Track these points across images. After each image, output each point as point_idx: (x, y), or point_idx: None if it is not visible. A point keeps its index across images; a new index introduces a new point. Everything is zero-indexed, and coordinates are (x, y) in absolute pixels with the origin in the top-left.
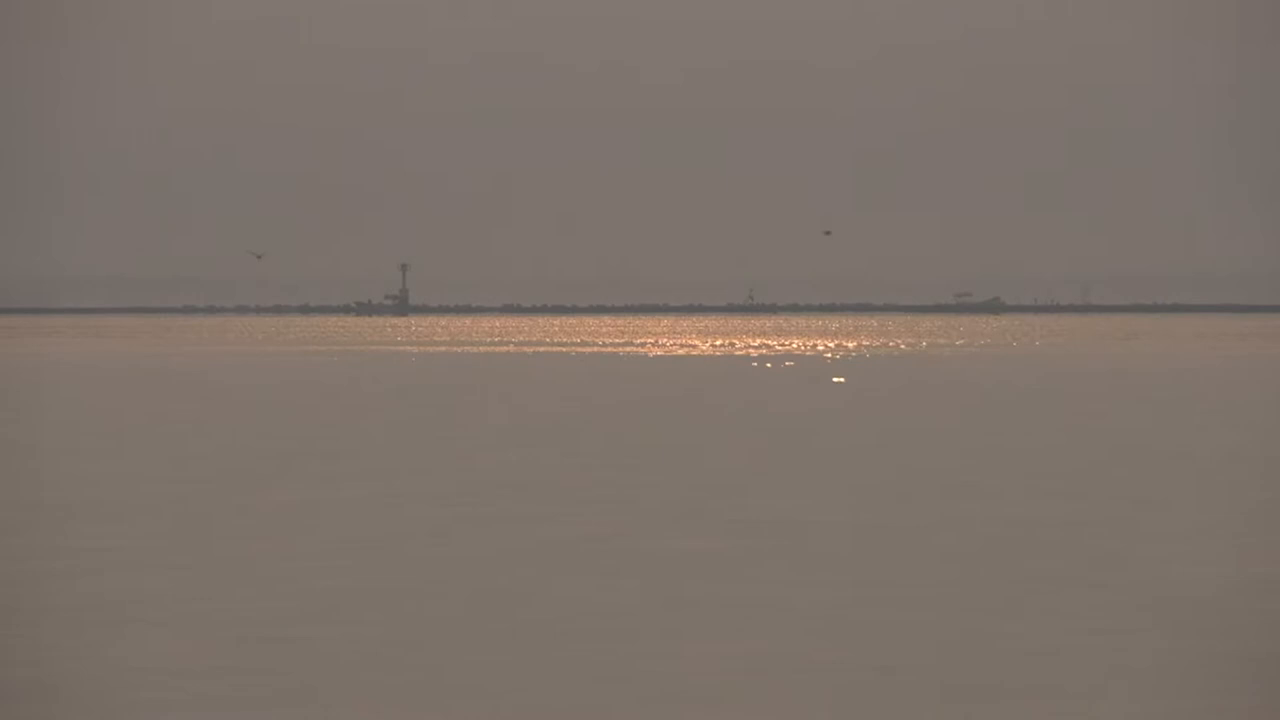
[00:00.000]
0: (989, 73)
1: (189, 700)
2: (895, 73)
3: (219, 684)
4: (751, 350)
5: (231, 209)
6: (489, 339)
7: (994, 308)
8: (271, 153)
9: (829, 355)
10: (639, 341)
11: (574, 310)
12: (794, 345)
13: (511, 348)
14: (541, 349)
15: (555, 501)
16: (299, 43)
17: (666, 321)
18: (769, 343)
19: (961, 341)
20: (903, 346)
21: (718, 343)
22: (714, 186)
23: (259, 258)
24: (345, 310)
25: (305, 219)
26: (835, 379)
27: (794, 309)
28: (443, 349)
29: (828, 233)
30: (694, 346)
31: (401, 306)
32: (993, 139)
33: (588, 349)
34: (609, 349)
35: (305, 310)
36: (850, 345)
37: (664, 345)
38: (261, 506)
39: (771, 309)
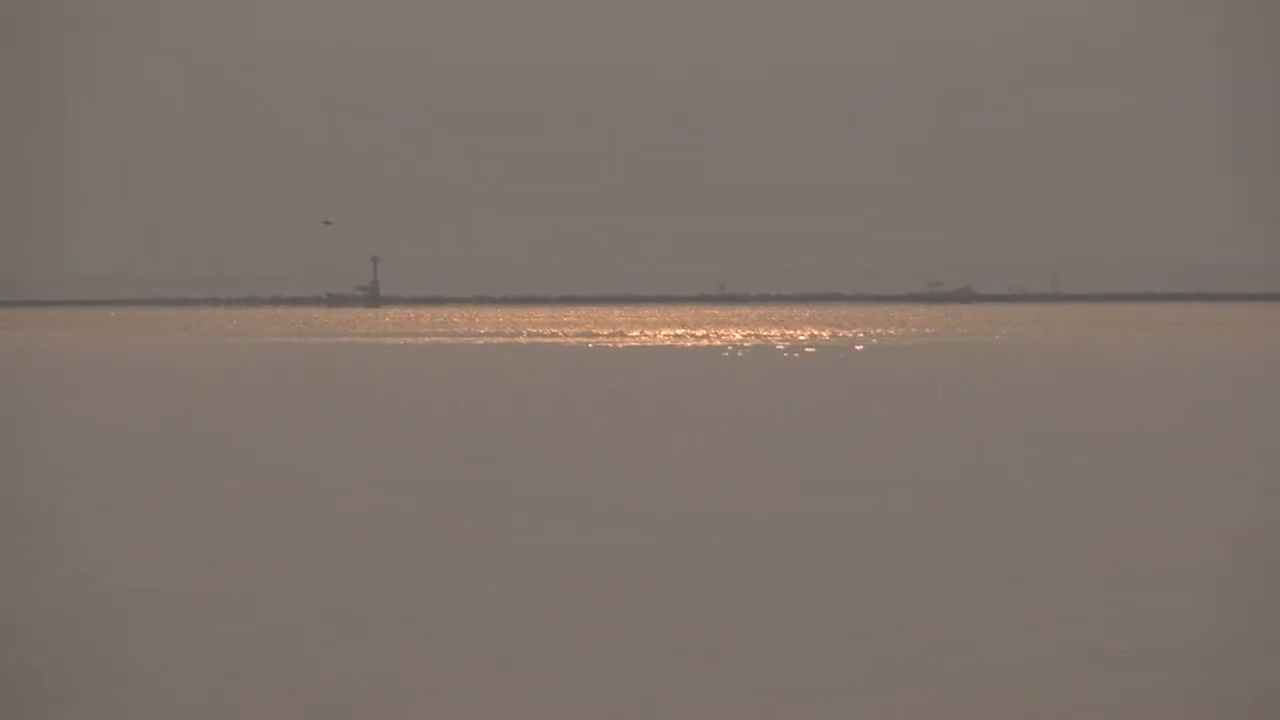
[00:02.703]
0: (956, 67)
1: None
2: (866, 70)
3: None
4: (705, 342)
5: (201, 202)
6: (454, 330)
7: (964, 297)
8: (240, 147)
9: (783, 346)
10: (603, 332)
11: (545, 300)
12: (753, 336)
13: (472, 339)
14: (502, 340)
15: (463, 498)
16: (260, 39)
17: (637, 312)
18: (733, 334)
19: (895, 331)
20: (853, 334)
21: (679, 333)
22: (685, 176)
23: None
24: (317, 302)
25: (275, 211)
26: (789, 370)
27: (766, 299)
28: (399, 340)
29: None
30: (652, 337)
31: (373, 298)
32: (961, 128)
33: (550, 340)
34: (573, 340)
35: (277, 302)
36: (803, 336)
37: (629, 336)
38: (122, 504)
39: (744, 299)
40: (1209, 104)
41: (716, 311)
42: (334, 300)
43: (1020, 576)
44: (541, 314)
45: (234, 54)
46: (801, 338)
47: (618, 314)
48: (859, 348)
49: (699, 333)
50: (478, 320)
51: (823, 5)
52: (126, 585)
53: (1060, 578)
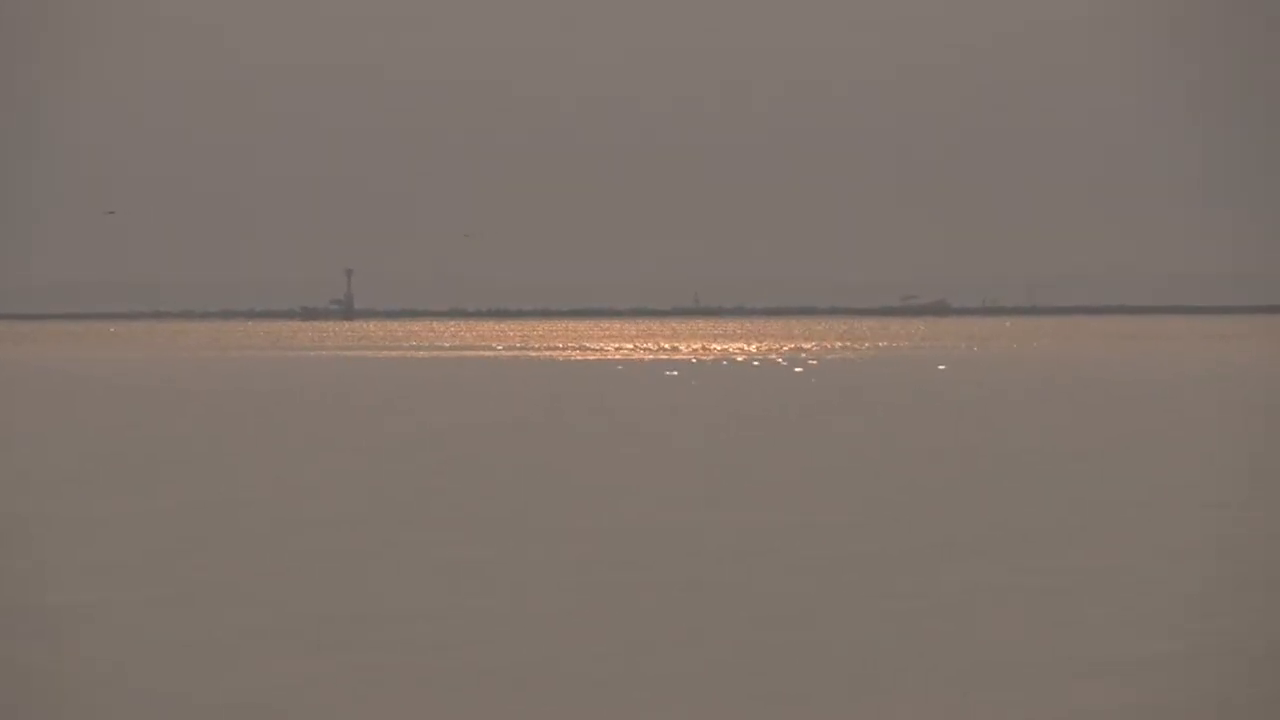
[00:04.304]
0: (943, 76)
1: None
2: (841, 85)
3: None
4: (684, 355)
5: (176, 214)
6: (429, 344)
7: (939, 310)
8: (214, 159)
9: (760, 359)
10: (579, 346)
11: (519, 314)
12: (730, 350)
13: (439, 353)
14: (471, 353)
15: (457, 505)
16: (235, 54)
17: (612, 325)
18: (711, 347)
19: (868, 345)
20: (829, 347)
21: (647, 346)
22: (660, 191)
23: None
24: (291, 315)
25: (249, 224)
26: (768, 382)
27: (740, 311)
28: (377, 354)
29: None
30: (630, 350)
31: (347, 311)
32: (937, 143)
33: (518, 354)
34: (548, 354)
35: (251, 315)
36: (781, 349)
37: (606, 350)
38: (61, 517)
39: (718, 312)
40: (1209, 112)
41: (692, 324)
42: (308, 314)
43: (1013, 581)
44: (516, 328)
45: (211, 69)
46: (779, 351)
47: (593, 327)
48: (837, 359)
49: (676, 345)
50: (452, 334)
51: (807, 13)
52: (96, 598)
53: (1053, 582)
